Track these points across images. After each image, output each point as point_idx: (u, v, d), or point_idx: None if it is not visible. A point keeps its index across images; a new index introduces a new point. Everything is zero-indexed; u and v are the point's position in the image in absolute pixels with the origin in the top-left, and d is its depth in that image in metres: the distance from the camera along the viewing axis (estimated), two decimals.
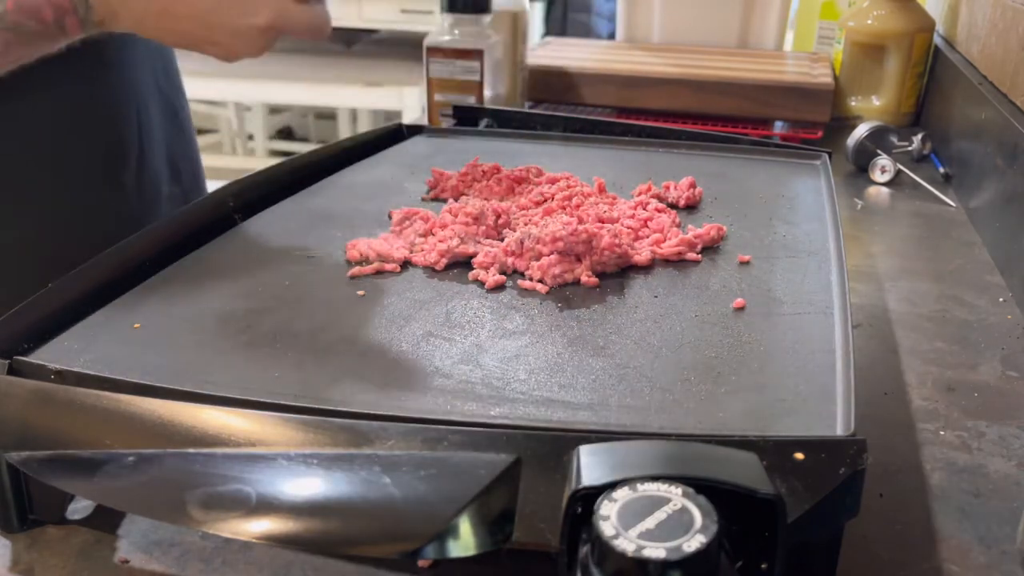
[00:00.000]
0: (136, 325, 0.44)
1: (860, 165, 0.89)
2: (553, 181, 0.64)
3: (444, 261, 0.52)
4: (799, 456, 0.31)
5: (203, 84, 2.30)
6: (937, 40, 1.07)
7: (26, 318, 0.42)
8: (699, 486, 0.28)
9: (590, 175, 0.65)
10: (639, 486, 0.28)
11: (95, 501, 0.39)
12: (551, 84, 1.03)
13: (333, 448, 0.33)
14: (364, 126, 2.75)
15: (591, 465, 0.29)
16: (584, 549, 0.27)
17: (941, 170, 0.90)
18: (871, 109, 1.06)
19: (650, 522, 0.26)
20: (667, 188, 0.64)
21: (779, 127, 0.99)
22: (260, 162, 2.66)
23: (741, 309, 0.47)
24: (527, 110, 1.01)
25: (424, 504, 0.30)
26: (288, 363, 0.41)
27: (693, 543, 0.26)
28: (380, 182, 0.67)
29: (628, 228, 0.55)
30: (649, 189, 0.64)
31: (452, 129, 0.82)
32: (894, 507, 0.41)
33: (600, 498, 0.27)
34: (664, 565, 0.25)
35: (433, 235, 0.55)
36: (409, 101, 2.38)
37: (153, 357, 0.41)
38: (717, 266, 0.53)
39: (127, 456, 0.33)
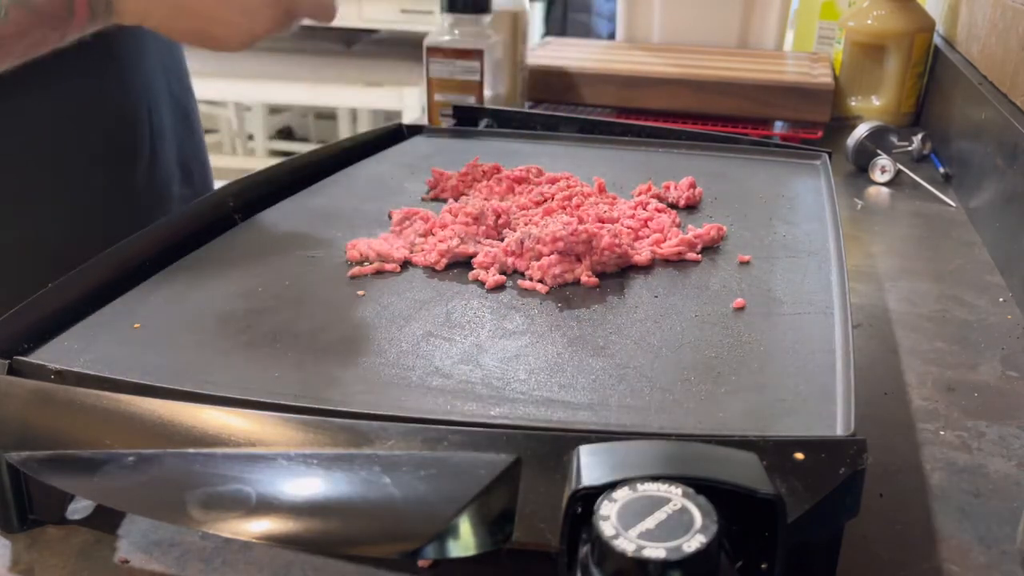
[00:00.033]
0: (136, 325, 0.44)
1: (860, 165, 0.89)
2: (553, 181, 0.64)
3: (444, 261, 0.52)
4: (799, 456, 0.31)
5: (203, 84, 2.28)
6: (937, 40, 1.07)
7: (26, 318, 0.42)
8: (699, 486, 0.28)
9: (590, 175, 0.65)
10: (639, 486, 0.28)
11: (95, 501, 0.39)
12: (551, 84, 1.03)
13: (333, 448, 0.33)
14: (364, 126, 2.75)
15: (591, 465, 0.29)
16: (584, 549, 0.27)
17: (941, 170, 0.90)
18: (871, 109, 1.06)
19: (650, 522, 0.26)
20: (667, 188, 0.64)
21: (779, 127, 0.99)
22: (260, 162, 2.66)
23: (741, 309, 0.47)
24: (527, 110, 1.01)
25: (424, 504, 0.30)
26: (288, 363, 0.41)
27: (693, 543, 0.26)
28: (380, 182, 0.67)
29: (628, 228, 0.55)
30: (649, 189, 0.64)
31: (452, 129, 0.82)
32: (894, 507, 0.41)
33: (600, 498, 0.27)
34: (664, 565, 0.25)
35: (433, 235, 0.55)
36: (409, 101, 2.38)
37: (153, 357, 0.41)
38: (717, 266, 0.53)
39: (127, 456, 0.33)
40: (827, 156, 0.71)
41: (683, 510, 0.27)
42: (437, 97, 0.93)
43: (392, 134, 0.78)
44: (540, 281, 0.50)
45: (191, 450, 0.33)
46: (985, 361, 0.54)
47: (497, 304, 0.48)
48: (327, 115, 2.96)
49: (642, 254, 0.53)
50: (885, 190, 0.86)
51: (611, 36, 1.27)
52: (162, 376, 0.39)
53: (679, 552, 0.25)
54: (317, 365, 0.41)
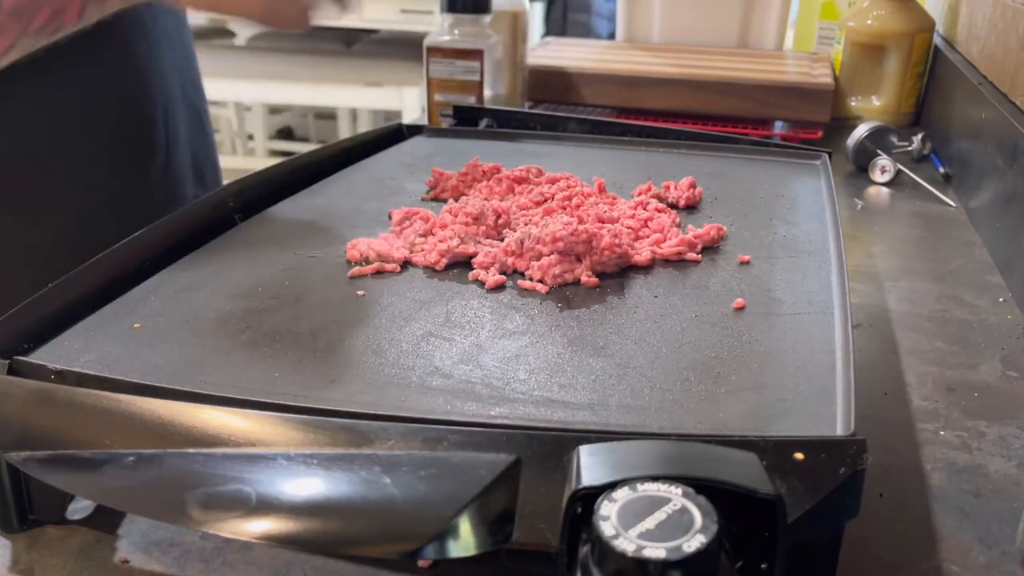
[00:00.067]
0: (136, 325, 0.44)
1: (860, 165, 0.89)
2: (553, 181, 0.64)
3: (444, 261, 0.52)
4: (799, 456, 0.31)
5: (204, 84, 2.29)
6: (937, 40, 1.07)
7: (26, 318, 0.42)
8: (699, 486, 0.28)
9: (590, 175, 0.65)
10: (639, 486, 0.28)
11: (95, 501, 0.39)
12: (551, 84, 1.03)
13: (333, 448, 0.33)
14: (364, 126, 2.75)
15: (591, 465, 0.29)
16: (584, 549, 0.27)
17: (941, 170, 0.90)
18: (871, 109, 1.06)
19: (650, 522, 0.26)
20: (667, 188, 0.64)
21: (779, 127, 0.99)
22: (260, 162, 2.66)
23: (741, 309, 0.47)
24: (527, 110, 1.01)
25: (424, 504, 0.30)
26: (288, 363, 0.41)
27: (693, 543, 0.26)
28: (380, 182, 0.67)
29: (628, 228, 0.55)
30: (649, 189, 0.64)
31: (452, 129, 0.82)
32: (894, 507, 0.41)
33: (600, 498, 0.27)
34: (664, 565, 0.25)
35: (433, 235, 0.55)
36: (409, 101, 2.39)
37: (153, 357, 0.41)
38: (717, 266, 0.53)
39: (127, 456, 0.33)
40: (827, 156, 0.71)
41: (683, 510, 0.27)
42: (437, 97, 0.93)
43: (392, 134, 0.78)
44: (540, 281, 0.50)
45: (191, 450, 0.33)
46: (985, 361, 0.54)
47: (497, 304, 0.48)
48: (327, 115, 2.96)
49: (642, 254, 0.53)
50: (885, 190, 0.86)
51: (611, 36, 1.27)
52: (162, 376, 0.39)
53: (679, 552, 0.25)
54: (317, 365, 0.41)
